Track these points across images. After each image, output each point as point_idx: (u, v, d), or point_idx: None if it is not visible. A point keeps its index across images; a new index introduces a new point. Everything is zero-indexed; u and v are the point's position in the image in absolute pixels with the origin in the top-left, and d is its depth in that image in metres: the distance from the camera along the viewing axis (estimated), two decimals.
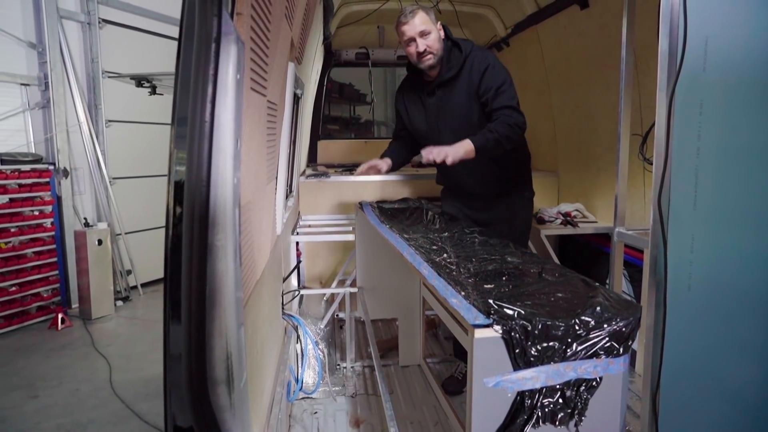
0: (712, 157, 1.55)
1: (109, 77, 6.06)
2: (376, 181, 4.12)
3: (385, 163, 2.88)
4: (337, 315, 3.77)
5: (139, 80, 5.13)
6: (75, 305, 5.66)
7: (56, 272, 5.49)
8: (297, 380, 2.62)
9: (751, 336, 1.63)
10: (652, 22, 1.54)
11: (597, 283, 1.46)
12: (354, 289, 3.33)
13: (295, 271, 3.28)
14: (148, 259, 6.41)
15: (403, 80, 2.95)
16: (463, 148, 2.38)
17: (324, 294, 3.78)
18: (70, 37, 5.71)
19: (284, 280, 2.78)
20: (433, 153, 2.39)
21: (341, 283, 3.83)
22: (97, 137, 5.99)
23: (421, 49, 2.55)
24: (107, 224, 5.83)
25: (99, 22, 5.95)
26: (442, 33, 2.63)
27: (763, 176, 1.58)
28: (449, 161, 2.35)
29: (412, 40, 2.55)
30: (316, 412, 2.82)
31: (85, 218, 5.78)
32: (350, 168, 4.79)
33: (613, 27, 2.96)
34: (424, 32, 2.53)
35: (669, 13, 1.49)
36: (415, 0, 4.50)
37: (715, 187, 1.57)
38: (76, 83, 5.74)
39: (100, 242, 5.50)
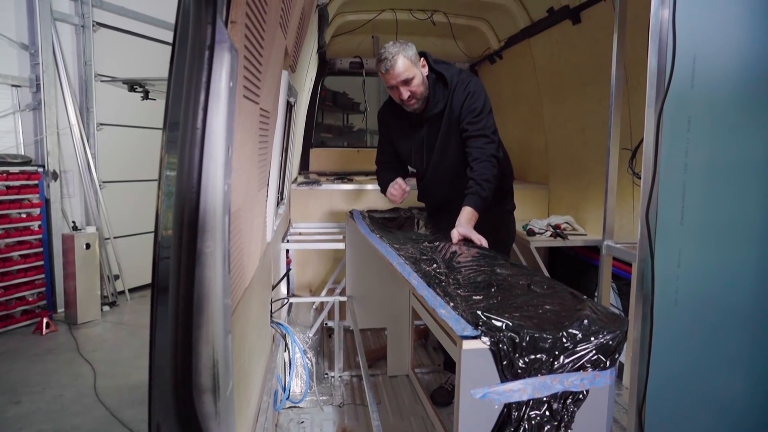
0: (699, 173, 1.57)
1: (101, 81, 6.04)
2: (367, 189, 4.13)
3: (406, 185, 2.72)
4: (326, 324, 3.75)
5: (132, 84, 5.11)
6: (61, 309, 5.59)
7: (42, 276, 5.42)
8: (284, 389, 2.60)
9: (736, 350, 1.65)
10: (642, 39, 1.56)
11: (585, 296, 1.46)
12: (343, 298, 3.32)
13: (285, 278, 3.26)
14: (137, 264, 6.36)
15: (386, 103, 2.79)
16: (471, 221, 2.28)
17: (313, 302, 3.77)
18: (63, 39, 5.69)
19: (273, 287, 2.76)
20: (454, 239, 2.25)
21: (331, 292, 3.82)
22: (87, 140, 5.95)
23: (405, 96, 2.44)
24: (96, 228, 5.77)
25: (93, 25, 5.93)
26: (425, 69, 2.48)
27: (749, 192, 1.60)
28: (469, 236, 2.22)
29: (395, 87, 2.43)
30: (302, 422, 2.80)
31: (73, 222, 5.73)
32: (342, 176, 4.79)
33: (604, 42, 3.00)
34: (407, 80, 2.39)
35: (658, 30, 1.52)
36: (410, 12, 4.56)
37: (702, 202, 1.59)
38: (68, 86, 5.71)
39: (88, 246, 5.44)
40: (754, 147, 1.59)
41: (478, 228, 2.45)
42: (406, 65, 2.37)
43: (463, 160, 2.48)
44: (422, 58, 2.47)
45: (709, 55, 1.53)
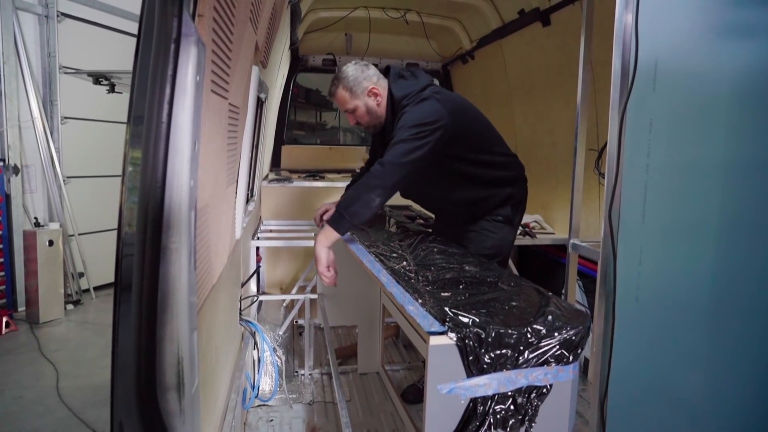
0: (660, 174, 1.62)
1: (65, 73, 5.87)
2: (338, 187, 4.12)
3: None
4: (296, 321, 3.73)
5: (97, 77, 4.97)
6: (22, 308, 5.41)
7: (2, 273, 5.24)
8: (253, 387, 2.58)
9: (694, 346, 1.71)
10: (609, 42, 1.60)
11: (550, 293, 1.50)
12: (314, 296, 3.31)
13: (255, 276, 3.23)
14: (102, 261, 6.19)
15: None
16: (323, 242, 2.03)
17: (283, 300, 3.75)
18: (25, 29, 5.50)
19: (243, 285, 2.74)
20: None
21: (301, 290, 3.81)
22: (51, 134, 5.77)
23: (352, 123, 2.38)
24: (59, 224, 5.61)
25: (57, 16, 5.75)
26: (380, 98, 2.27)
27: (708, 193, 1.66)
28: (321, 270, 2.02)
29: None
30: (272, 420, 2.78)
31: (35, 218, 5.55)
32: (314, 174, 4.78)
33: (573, 45, 3.06)
34: (347, 110, 2.31)
35: (622, 34, 1.56)
36: (383, 10, 4.56)
37: (663, 202, 1.64)
38: (30, 77, 5.52)
39: (51, 243, 5.29)
40: (713, 149, 1.65)
41: (461, 239, 2.40)
42: (344, 98, 2.28)
43: (428, 179, 2.36)
44: (373, 87, 2.25)
45: (670, 59, 1.58)
